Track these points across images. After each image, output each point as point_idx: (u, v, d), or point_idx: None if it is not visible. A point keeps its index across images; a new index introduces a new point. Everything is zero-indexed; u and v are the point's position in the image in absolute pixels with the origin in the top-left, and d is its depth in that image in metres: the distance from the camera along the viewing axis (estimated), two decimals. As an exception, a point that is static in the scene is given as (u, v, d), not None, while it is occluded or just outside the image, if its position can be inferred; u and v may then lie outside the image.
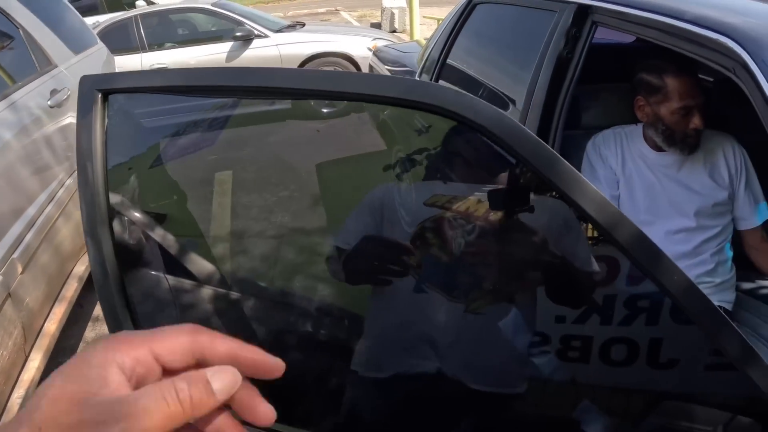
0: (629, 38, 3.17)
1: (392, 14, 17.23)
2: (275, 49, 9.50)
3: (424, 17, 13.39)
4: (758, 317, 2.35)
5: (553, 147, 2.12)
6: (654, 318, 1.11)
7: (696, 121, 2.20)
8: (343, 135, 1.40)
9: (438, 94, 0.88)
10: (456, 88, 0.91)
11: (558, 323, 1.17)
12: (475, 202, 1.22)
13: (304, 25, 10.71)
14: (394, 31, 16.13)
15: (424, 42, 6.16)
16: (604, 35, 2.49)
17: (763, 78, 1.57)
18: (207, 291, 1.41)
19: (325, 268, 1.35)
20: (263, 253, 1.43)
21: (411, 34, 12.41)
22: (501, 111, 0.88)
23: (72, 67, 4.48)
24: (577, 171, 0.86)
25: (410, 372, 1.32)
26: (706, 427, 1.16)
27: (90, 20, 8.90)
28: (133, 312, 1.12)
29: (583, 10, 2.34)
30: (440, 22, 11.36)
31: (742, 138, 2.44)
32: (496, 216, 1.21)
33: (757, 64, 1.59)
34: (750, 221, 2.38)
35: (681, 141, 2.24)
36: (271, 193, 1.37)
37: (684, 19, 1.84)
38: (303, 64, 9.34)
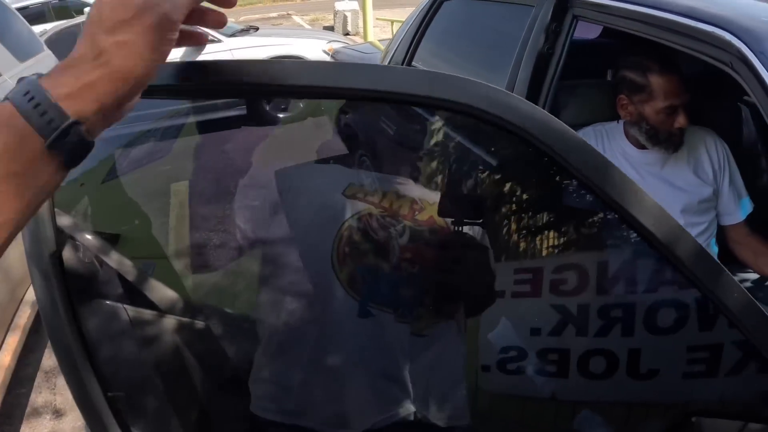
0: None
1: (345, 17, 17.28)
2: (229, 54, 9.32)
3: (377, 19, 13.41)
4: None
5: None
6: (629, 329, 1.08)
7: (681, 120, 2.15)
8: (301, 140, 1.38)
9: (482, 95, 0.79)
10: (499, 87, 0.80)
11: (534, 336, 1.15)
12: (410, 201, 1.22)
13: (257, 29, 10.59)
14: (347, 34, 16.17)
15: (378, 44, 6.10)
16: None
17: (764, 70, 1.52)
18: (170, 320, 1.35)
19: (292, 280, 1.30)
20: (225, 267, 1.37)
21: (365, 36, 12.40)
22: (550, 115, 0.79)
23: (16, 76, 4.34)
24: (633, 181, 0.80)
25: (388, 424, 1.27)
26: None
27: (37, 28, 8.74)
28: (89, 349, 1.03)
29: (563, 4, 2.28)
30: (394, 23, 11.33)
31: (721, 132, 2.43)
32: (440, 223, 1.20)
33: (756, 56, 1.55)
34: (734, 216, 2.35)
35: (666, 140, 2.19)
36: (231, 202, 1.32)
37: (675, 12, 1.79)
38: (258, 70, 9.21)
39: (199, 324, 1.38)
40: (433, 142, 1.19)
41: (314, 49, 9.38)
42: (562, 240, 1.15)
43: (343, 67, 0.83)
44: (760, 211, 2.73)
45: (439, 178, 1.25)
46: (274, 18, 23.55)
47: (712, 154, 2.32)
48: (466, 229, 1.14)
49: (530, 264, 1.13)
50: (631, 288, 1.09)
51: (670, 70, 2.13)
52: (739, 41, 1.58)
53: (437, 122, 1.14)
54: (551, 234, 1.13)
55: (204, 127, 1.34)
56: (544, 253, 1.12)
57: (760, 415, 1.09)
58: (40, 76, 0.61)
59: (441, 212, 1.16)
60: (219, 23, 0.77)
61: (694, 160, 2.30)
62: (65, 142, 0.59)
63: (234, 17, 21.98)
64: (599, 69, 2.65)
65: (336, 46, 8.63)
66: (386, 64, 3.63)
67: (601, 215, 1.06)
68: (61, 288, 0.99)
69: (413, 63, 3.37)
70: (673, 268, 0.85)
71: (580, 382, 1.12)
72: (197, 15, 0.74)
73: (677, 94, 2.14)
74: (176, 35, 0.65)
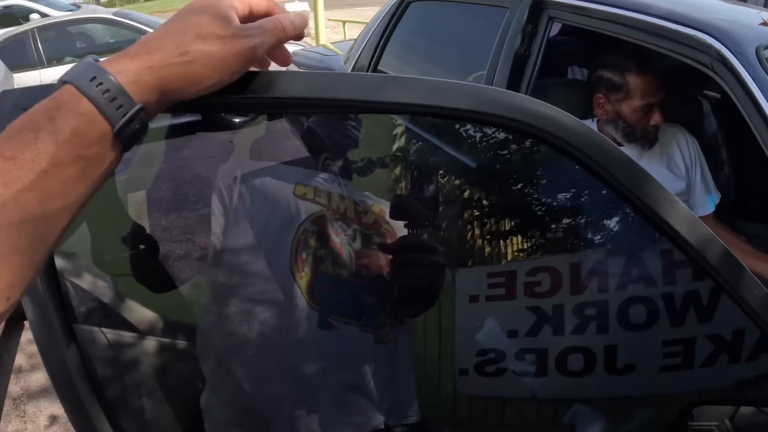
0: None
1: (295, 18, 17.17)
2: None
3: (328, 20, 13.31)
4: None
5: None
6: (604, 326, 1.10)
7: (656, 118, 2.21)
8: (259, 144, 1.36)
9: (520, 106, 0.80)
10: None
11: (511, 338, 1.16)
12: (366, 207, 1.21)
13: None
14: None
15: (331, 46, 6.05)
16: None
17: (744, 71, 1.59)
18: (138, 339, 1.32)
19: (261, 289, 1.27)
20: (191, 279, 1.36)
21: (317, 39, 12.27)
22: (587, 125, 0.82)
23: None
24: (667, 189, 0.83)
25: None
26: (711, 423, 1.15)
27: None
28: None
29: (538, 6, 2.33)
30: (347, 24, 11.23)
31: (685, 127, 2.51)
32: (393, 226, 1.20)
33: (735, 57, 1.62)
34: (704, 209, 2.42)
35: (641, 137, 2.25)
36: (190, 211, 1.31)
37: (654, 14, 1.85)
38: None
39: (165, 341, 1.37)
40: (396, 145, 1.19)
41: None
42: (533, 243, 1.17)
43: (389, 81, 0.82)
44: (723, 201, 2.85)
45: (395, 181, 1.25)
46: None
47: (683, 149, 2.39)
48: (418, 231, 1.14)
49: (503, 268, 1.15)
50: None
51: (647, 70, 2.19)
52: (719, 43, 1.65)
53: (399, 125, 1.15)
54: (522, 238, 1.15)
55: (159, 135, 1.33)
56: (517, 256, 1.14)
57: (750, 399, 1.14)
58: (97, 59, 0.63)
59: (394, 215, 1.17)
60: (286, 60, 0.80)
61: (667, 156, 2.36)
62: (131, 126, 0.61)
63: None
64: (561, 67, 2.71)
65: (292, 48, 8.56)
66: (351, 68, 3.58)
67: (577, 217, 1.11)
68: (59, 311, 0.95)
69: (380, 67, 3.34)
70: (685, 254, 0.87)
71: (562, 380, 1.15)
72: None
73: (654, 92, 2.19)
74: (249, 67, 0.70)
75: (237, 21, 0.68)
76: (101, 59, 0.63)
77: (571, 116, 0.80)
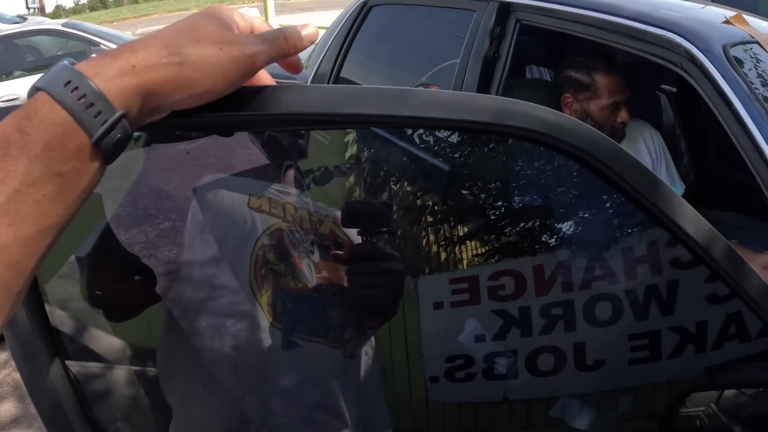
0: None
1: (245, 24, 16.99)
2: None
3: (279, 26, 13.20)
4: None
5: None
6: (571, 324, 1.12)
7: (623, 115, 2.28)
8: (216, 154, 1.31)
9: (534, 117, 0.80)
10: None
11: (478, 342, 1.17)
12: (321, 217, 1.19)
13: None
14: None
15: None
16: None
17: (713, 68, 1.65)
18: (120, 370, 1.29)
19: (222, 310, 1.21)
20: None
21: (269, 47, 12.22)
22: (598, 132, 0.85)
23: None
24: (675, 192, 0.86)
25: None
26: (698, 409, 1.20)
27: None
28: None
29: (505, 8, 2.37)
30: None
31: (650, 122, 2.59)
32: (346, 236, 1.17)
33: (704, 54, 1.67)
34: None
35: (609, 134, 2.29)
36: (151, 225, 1.26)
37: (622, 15, 1.90)
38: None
39: (126, 368, 1.33)
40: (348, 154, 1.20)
41: None
42: (495, 247, 1.18)
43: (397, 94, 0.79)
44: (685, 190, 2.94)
45: (350, 190, 1.23)
46: (174, 29, 22.96)
47: (649, 144, 2.47)
48: (376, 240, 1.11)
49: (466, 273, 1.14)
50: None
51: (613, 69, 2.26)
52: (687, 42, 1.71)
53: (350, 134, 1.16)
54: (484, 242, 1.16)
55: None
56: (480, 261, 1.15)
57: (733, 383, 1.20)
58: (74, 62, 0.57)
59: (347, 222, 1.15)
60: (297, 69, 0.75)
61: (633, 151, 2.41)
62: (111, 136, 0.55)
63: (131, 30, 21.31)
64: (520, 67, 2.76)
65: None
66: (313, 74, 3.52)
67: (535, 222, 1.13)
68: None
69: (342, 74, 3.31)
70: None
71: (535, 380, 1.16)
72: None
73: (620, 91, 2.27)
74: (248, 79, 0.65)
75: (236, 30, 0.64)
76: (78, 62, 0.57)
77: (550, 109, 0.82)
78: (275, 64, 0.70)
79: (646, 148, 2.47)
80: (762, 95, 1.64)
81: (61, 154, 0.52)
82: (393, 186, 1.19)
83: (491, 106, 0.79)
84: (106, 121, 0.54)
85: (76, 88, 0.53)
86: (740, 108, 1.58)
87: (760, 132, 1.55)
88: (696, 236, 0.86)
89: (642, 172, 0.85)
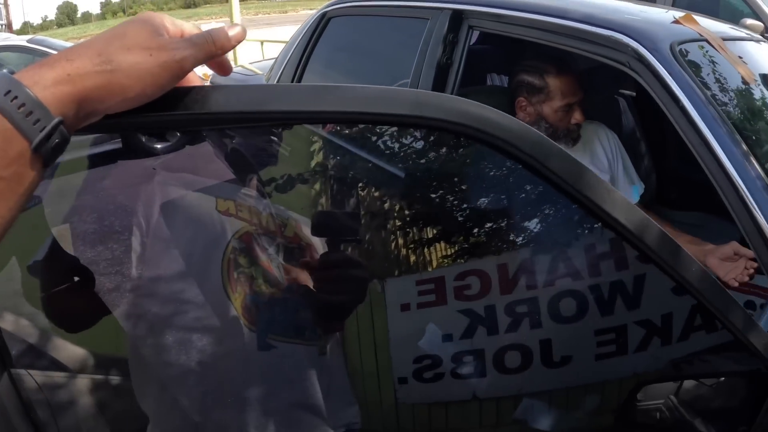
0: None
1: (211, 39, 16.96)
2: None
3: (246, 40, 13.15)
4: None
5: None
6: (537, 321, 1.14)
7: (577, 116, 2.29)
8: (182, 169, 1.33)
9: (456, 108, 0.82)
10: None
11: (446, 342, 1.17)
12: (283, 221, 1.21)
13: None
14: (217, 56, 15.82)
15: (249, 66, 6.04)
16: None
17: (660, 66, 1.67)
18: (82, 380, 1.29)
19: (197, 315, 1.23)
20: (123, 311, 1.29)
21: (234, 59, 12.13)
22: (525, 125, 0.85)
23: None
24: (603, 179, 0.87)
25: None
26: (657, 402, 1.21)
27: None
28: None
29: (458, 16, 2.37)
30: (264, 44, 11.12)
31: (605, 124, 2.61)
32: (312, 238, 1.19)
33: (651, 54, 1.69)
34: (630, 199, 2.49)
35: (564, 136, 2.33)
36: (117, 242, 1.26)
37: (571, 18, 1.92)
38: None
39: (99, 377, 1.34)
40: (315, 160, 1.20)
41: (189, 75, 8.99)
42: (460, 247, 1.19)
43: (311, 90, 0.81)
44: (645, 191, 2.96)
45: (316, 196, 1.23)
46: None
47: (605, 145, 2.49)
48: (338, 243, 1.14)
49: (432, 274, 1.16)
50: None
51: (565, 71, 2.27)
52: (635, 42, 1.72)
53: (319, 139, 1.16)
54: (448, 243, 1.17)
55: (80, 165, 1.28)
56: (445, 262, 1.16)
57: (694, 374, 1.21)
58: (12, 72, 0.59)
59: (316, 231, 1.17)
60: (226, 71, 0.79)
61: (590, 152, 2.45)
62: (50, 141, 0.57)
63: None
64: (481, 76, 2.77)
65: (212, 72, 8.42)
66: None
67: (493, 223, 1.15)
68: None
69: (303, 83, 3.25)
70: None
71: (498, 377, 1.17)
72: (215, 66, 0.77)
73: (573, 92, 2.28)
74: (178, 82, 0.67)
75: (166, 35, 0.66)
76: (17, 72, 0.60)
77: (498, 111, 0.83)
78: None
79: (602, 149, 2.49)
80: (710, 91, 1.66)
81: (3, 159, 0.55)
82: (356, 193, 1.19)
83: (412, 99, 0.81)
84: (44, 127, 0.57)
85: (16, 97, 0.56)
86: (688, 105, 1.60)
87: (708, 128, 1.56)
88: (627, 223, 0.87)
89: (565, 160, 0.85)
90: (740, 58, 1.94)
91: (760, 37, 2.55)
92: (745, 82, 1.85)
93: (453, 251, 1.17)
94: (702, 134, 1.56)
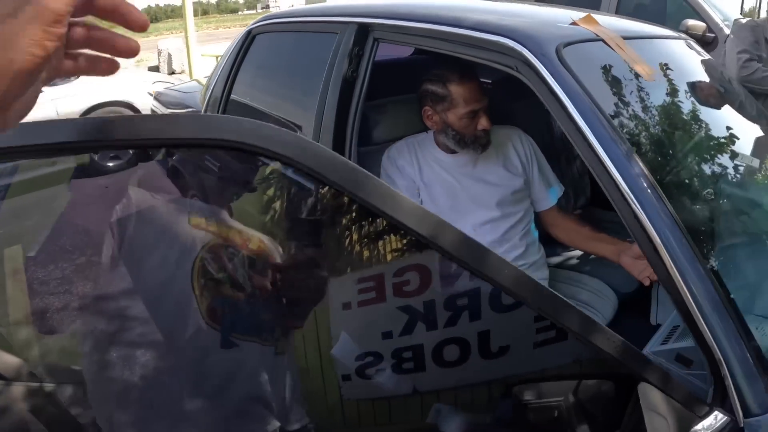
0: (408, 51, 3.27)
1: (169, 55, 16.98)
2: (50, 105, 8.75)
3: (202, 55, 13.21)
4: (571, 285, 2.56)
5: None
6: (476, 313, 1.16)
7: (483, 122, 2.30)
8: (137, 186, 1.32)
9: (234, 129, 0.83)
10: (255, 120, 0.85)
11: (386, 339, 1.20)
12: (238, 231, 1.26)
13: (78, 76, 10.16)
14: (173, 73, 15.88)
15: (203, 81, 6.09)
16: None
17: (545, 70, 1.67)
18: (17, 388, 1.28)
19: (142, 332, 1.27)
20: (72, 329, 1.32)
21: (190, 74, 12.17)
22: (308, 139, 0.86)
23: None
24: (389, 186, 0.89)
25: None
26: (557, 399, 1.25)
27: None
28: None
29: (364, 29, 2.39)
30: (219, 58, 11.22)
31: (533, 128, 2.65)
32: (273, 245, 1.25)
33: (537, 58, 1.69)
34: (546, 202, 2.55)
35: (472, 142, 2.33)
36: (67, 261, 1.27)
37: (464, 26, 1.93)
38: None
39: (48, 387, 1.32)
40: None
41: (138, 92, 9.11)
42: (395, 246, 1.18)
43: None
44: (580, 193, 2.98)
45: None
46: (98, 62, 22.90)
47: (518, 148, 2.51)
48: (295, 251, 1.22)
49: (372, 272, 1.19)
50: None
51: (467, 79, 2.28)
52: (521, 46, 1.73)
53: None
54: (382, 243, 1.18)
55: (31, 186, 1.29)
56: (382, 260, 1.17)
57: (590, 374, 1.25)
58: None
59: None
60: (130, 52, 0.69)
61: (503, 156, 2.47)
62: None
63: (51, 66, 21.19)
64: (408, 85, 2.78)
65: (159, 87, 8.49)
66: (206, 100, 3.64)
67: None
68: None
69: (231, 97, 3.38)
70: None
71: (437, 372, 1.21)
72: (104, 43, 0.68)
73: (476, 99, 2.29)
74: (62, 29, 0.59)
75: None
76: None
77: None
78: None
79: (516, 153, 2.51)
80: (596, 92, 1.66)
81: None
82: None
83: (192, 122, 0.84)
84: None
85: None
86: (570, 107, 1.60)
87: (590, 129, 1.56)
88: (420, 228, 0.90)
89: (346, 168, 0.88)
90: (640, 56, 1.93)
91: (686, 36, 2.58)
92: (641, 79, 1.85)
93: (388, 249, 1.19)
94: (584, 135, 1.56)
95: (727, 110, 2.36)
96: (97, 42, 0.67)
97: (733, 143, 2.01)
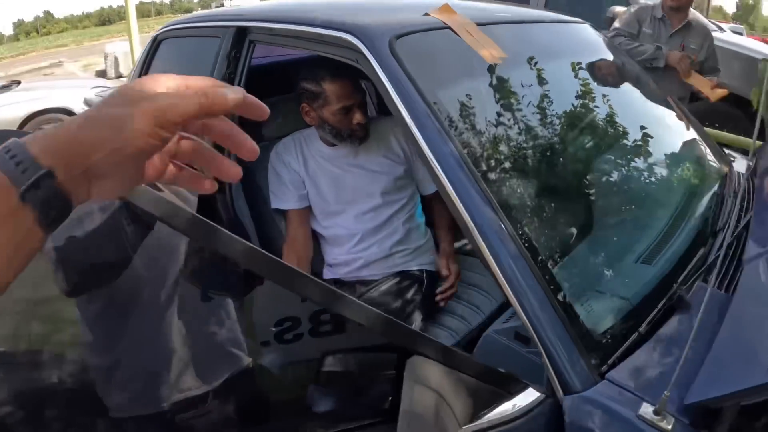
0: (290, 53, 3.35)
1: (116, 59, 16.68)
2: None
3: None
4: (467, 269, 2.67)
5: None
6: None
7: (358, 117, 2.42)
8: None
9: None
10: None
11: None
12: None
13: (19, 83, 10.04)
14: (120, 77, 15.65)
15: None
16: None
17: (376, 63, 1.79)
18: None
19: (76, 332, 1.51)
20: (8, 333, 1.43)
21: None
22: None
23: None
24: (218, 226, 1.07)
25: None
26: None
27: None
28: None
29: (241, 32, 2.52)
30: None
31: None
32: None
33: (370, 51, 1.81)
34: (430, 186, 2.67)
35: (349, 136, 2.46)
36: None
37: (315, 25, 2.05)
38: (21, 125, 8.71)
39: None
40: None
41: (77, 98, 8.90)
42: None
43: None
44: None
45: None
46: (45, 67, 22.49)
47: (399, 137, 2.63)
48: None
49: None
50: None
51: (340, 77, 2.39)
52: (357, 40, 1.85)
53: None
54: None
55: None
56: None
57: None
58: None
59: None
60: (234, 176, 0.76)
61: (384, 146, 2.59)
62: (38, 193, 0.57)
63: (3, 71, 20.81)
64: (288, 85, 2.90)
65: (95, 92, 8.45)
66: None
67: None
68: None
69: None
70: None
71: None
72: (209, 162, 0.76)
73: (348, 96, 2.41)
74: (169, 135, 0.64)
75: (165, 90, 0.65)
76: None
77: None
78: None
79: (397, 141, 2.62)
80: (427, 82, 1.76)
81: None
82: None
83: None
84: (32, 175, 0.57)
85: (10, 150, 0.58)
86: (396, 98, 1.71)
87: (413, 121, 1.67)
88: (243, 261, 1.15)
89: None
90: (491, 40, 2.01)
91: (584, 21, 2.87)
92: (485, 64, 1.94)
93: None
94: (409, 128, 1.67)
95: (608, 88, 2.57)
96: (202, 159, 0.76)
97: (576, 124, 2.15)
